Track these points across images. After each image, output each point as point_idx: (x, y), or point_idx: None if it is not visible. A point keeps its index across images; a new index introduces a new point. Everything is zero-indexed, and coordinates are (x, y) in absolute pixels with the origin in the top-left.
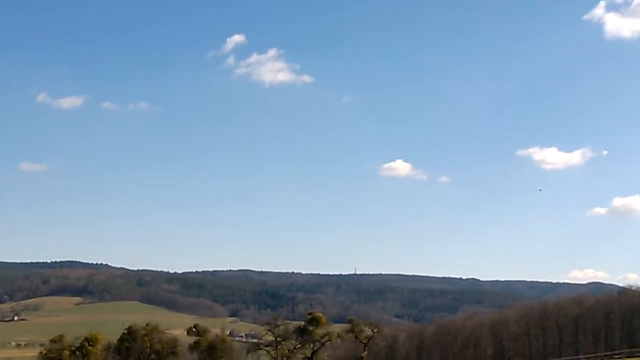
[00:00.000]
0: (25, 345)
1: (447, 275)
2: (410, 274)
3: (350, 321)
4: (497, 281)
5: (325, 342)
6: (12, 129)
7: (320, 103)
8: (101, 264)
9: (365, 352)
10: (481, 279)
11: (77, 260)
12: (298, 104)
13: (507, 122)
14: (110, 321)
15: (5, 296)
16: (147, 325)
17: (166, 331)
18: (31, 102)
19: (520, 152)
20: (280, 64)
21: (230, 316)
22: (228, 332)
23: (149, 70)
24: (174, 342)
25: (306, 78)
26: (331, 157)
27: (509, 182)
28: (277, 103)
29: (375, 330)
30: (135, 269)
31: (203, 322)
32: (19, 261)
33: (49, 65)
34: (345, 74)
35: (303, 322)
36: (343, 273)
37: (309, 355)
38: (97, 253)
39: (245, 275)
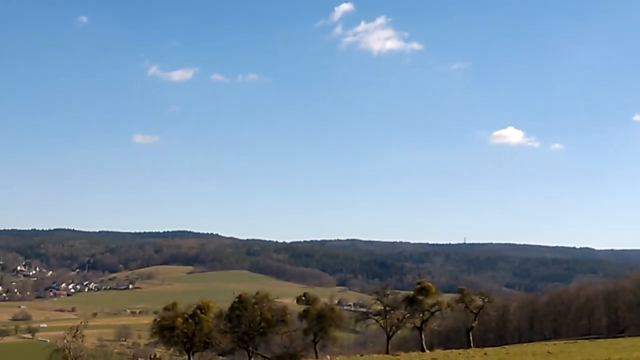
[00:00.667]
0: (139, 312)
1: (560, 245)
2: (521, 243)
3: (460, 291)
4: (612, 250)
5: (435, 311)
6: (125, 103)
7: (429, 71)
8: (211, 233)
9: (476, 322)
10: (595, 248)
11: (189, 230)
12: (407, 72)
13: (622, 87)
14: (221, 289)
15: (120, 265)
16: (257, 293)
17: (276, 300)
18: (143, 76)
19: (637, 118)
20: (388, 32)
21: (338, 285)
22: (336, 301)
23: (258, 42)
24: (283, 311)
25: (415, 46)
26: (441, 125)
27: (624, 148)
28: (385, 71)
29: (486, 300)
30: (245, 238)
31: (312, 291)
32: (133, 231)
33: (160, 40)
34: (455, 41)
35: (412, 292)
36: (452, 242)
37: (419, 325)
38: (207, 223)
39: (353, 244)
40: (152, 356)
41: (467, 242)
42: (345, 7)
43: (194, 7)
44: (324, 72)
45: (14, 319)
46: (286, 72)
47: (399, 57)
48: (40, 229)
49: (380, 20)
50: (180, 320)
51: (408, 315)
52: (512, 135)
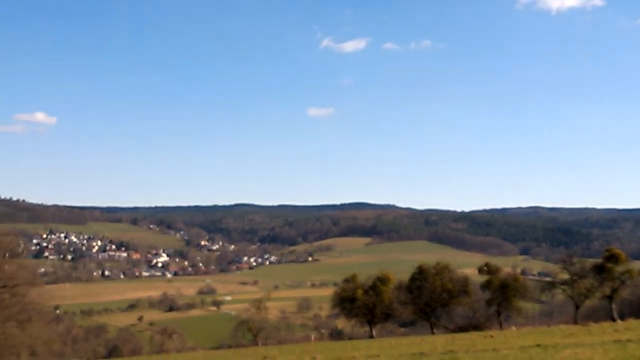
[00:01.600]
0: (319, 284)
1: None
2: None
3: None
4: None
5: (626, 280)
6: (299, 76)
7: (611, 27)
8: (388, 204)
9: None
10: None
11: (365, 201)
12: (587, 30)
13: None
14: (400, 260)
15: (299, 238)
16: (438, 264)
17: (456, 270)
18: (316, 48)
19: None
20: None
21: (520, 254)
22: (520, 270)
23: (430, 6)
24: (465, 281)
25: (596, 2)
26: (625, 83)
27: None
28: (564, 31)
29: None
30: (422, 208)
31: (493, 260)
32: (311, 204)
33: (331, 11)
34: None
35: (600, 260)
36: None
37: (609, 294)
38: (384, 194)
39: (535, 212)
40: (333, 328)
41: None
42: None
43: None
44: (499, 35)
45: (199, 293)
46: (460, 37)
47: (579, 15)
48: (222, 204)
49: None
50: (360, 291)
51: (597, 284)
52: None
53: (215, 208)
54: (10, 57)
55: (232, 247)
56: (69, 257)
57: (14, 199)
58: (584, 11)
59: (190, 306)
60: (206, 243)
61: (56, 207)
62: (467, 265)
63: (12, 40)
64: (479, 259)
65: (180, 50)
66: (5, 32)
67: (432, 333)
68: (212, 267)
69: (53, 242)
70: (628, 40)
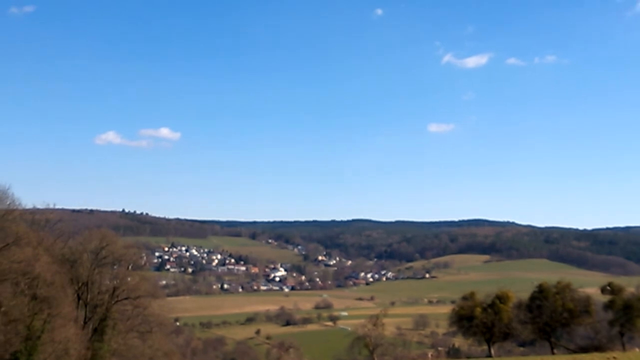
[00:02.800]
0: (436, 301)
1: None
2: None
3: None
4: None
5: None
6: (420, 92)
7: None
8: (508, 221)
9: None
10: None
11: (484, 218)
12: None
13: None
14: (519, 279)
15: (417, 254)
16: (559, 282)
17: (578, 289)
18: (438, 64)
19: None
20: None
21: None
22: None
23: (555, 22)
24: (587, 301)
25: None
26: None
27: None
28: None
29: None
30: (543, 226)
31: (616, 280)
32: (429, 220)
33: (454, 26)
34: None
35: None
36: None
37: None
38: (503, 211)
39: None
40: (451, 346)
41: None
42: None
43: None
44: (625, 50)
45: (316, 307)
46: (585, 52)
47: None
48: (339, 219)
49: None
50: (479, 309)
51: None
52: None
53: (333, 223)
54: (138, 75)
55: (349, 262)
56: (190, 270)
57: (138, 212)
58: None
59: (306, 321)
60: (323, 258)
61: (178, 220)
62: (588, 284)
63: (140, 59)
64: (602, 278)
65: (304, 67)
66: (133, 51)
67: (552, 353)
68: (329, 282)
69: (174, 255)
70: None
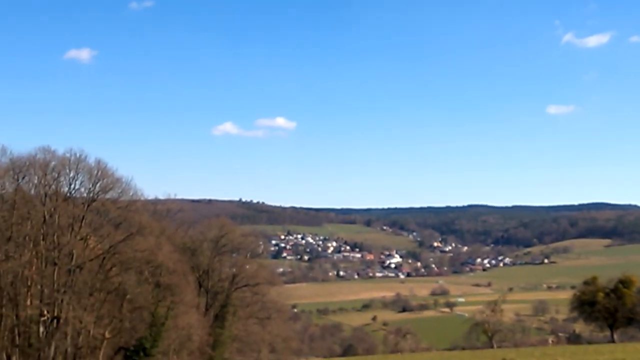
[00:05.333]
0: (555, 287)
1: None
2: None
3: None
4: None
5: None
6: (539, 72)
7: None
8: (630, 204)
9: None
10: None
11: (605, 201)
12: None
13: None
14: None
15: (535, 239)
16: None
17: None
18: (558, 44)
19: None
20: None
21: None
22: None
23: None
24: None
25: None
26: None
27: None
28: None
29: None
30: None
31: None
32: (547, 204)
33: (574, 4)
34: None
35: None
36: None
37: None
38: (625, 194)
39: None
40: (571, 331)
41: None
42: None
43: None
44: None
45: (432, 294)
46: None
47: None
48: (454, 205)
49: None
50: (601, 294)
51: None
52: None
53: (447, 209)
54: (254, 65)
55: (465, 248)
56: (306, 257)
57: (255, 201)
58: None
59: (423, 307)
60: (439, 244)
61: (293, 209)
62: None
63: (254, 48)
64: None
65: (416, 52)
66: (248, 41)
67: None
68: (445, 268)
69: (291, 243)
70: None
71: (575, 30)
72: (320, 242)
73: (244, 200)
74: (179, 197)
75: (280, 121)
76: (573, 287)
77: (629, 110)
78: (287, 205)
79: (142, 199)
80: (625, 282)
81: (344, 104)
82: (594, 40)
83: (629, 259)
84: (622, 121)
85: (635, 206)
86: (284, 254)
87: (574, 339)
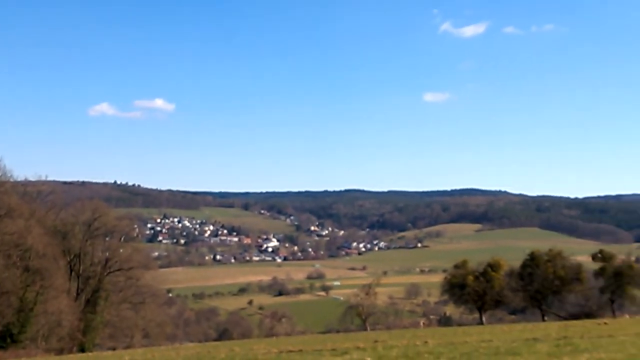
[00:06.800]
0: (428, 270)
1: None
2: None
3: None
4: None
5: None
6: (416, 60)
7: None
8: (500, 190)
9: None
10: None
11: (476, 187)
12: None
13: None
14: (510, 247)
15: (409, 224)
16: (550, 250)
17: (569, 257)
18: (435, 33)
19: None
20: None
21: (635, 242)
22: (634, 258)
23: None
24: (578, 268)
25: None
26: None
27: None
28: None
29: None
30: (534, 194)
31: (607, 248)
32: (421, 190)
33: None
34: None
35: None
36: None
37: None
38: (495, 180)
39: None
40: (442, 314)
41: None
42: None
43: None
44: (628, 18)
45: (309, 277)
46: (585, 21)
47: None
48: (332, 190)
49: None
50: (470, 278)
51: None
52: None
53: (325, 194)
54: (132, 44)
55: (342, 232)
56: (182, 241)
57: (130, 184)
58: None
59: (299, 291)
60: (316, 228)
61: (170, 192)
62: (579, 252)
63: (133, 27)
64: (592, 246)
65: (296, 36)
66: (126, 18)
67: (543, 320)
68: (322, 252)
69: (167, 227)
70: None
71: (453, 20)
72: (197, 226)
73: (119, 182)
74: (50, 178)
75: (159, 102)
76: (445, 271)
77: (501, 99)
78: (164, 188)
79: (11, 180)
80: (493, 266)
81: (223, 86)
82: (471, 30)
83: (498, 243)
84: (494, 109)
85: (505, 192)
86: (160, 238)
87: (445, 321)
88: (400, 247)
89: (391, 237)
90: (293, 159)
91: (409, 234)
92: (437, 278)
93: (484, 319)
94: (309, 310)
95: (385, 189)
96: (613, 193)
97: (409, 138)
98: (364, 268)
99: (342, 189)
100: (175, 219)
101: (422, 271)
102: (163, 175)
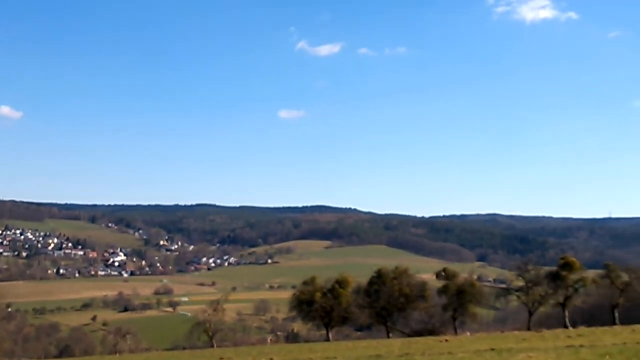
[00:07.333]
0: (278, 287)
1: None
2: None
3: (606, 266)
4: None
5: (579, 288)
6: (273, 78)
7: (585, 40)
8: (350, 208)
9: (622, 299)
10: None
11: (327, 205)
12: (561, 42)
13: None
14: (359, 264)
15: (260, 240)
16: (397, 268)
17: (415, 275)
18: (292, 51)
19: None
20: (544, 1)
21: (478, 261)
22: (476, 276)
23: (407, 14)
24: (423, 286)
25: (572, 15)
26: (595, 95)
27: None
28: (538, 42)
29: (633, 276)
30: (383, 213)
31: (451, 266)
32: (273, 206)
33: (310, 13)
34: (612, 8)
35: (555, 268)
36: (597, 217)
37: (562, 302)
38: (346, 198)
39: (493, 219)
40: (290, 331)
41: (612, 216)
42: None
43: None
44: (474, 43)
45: (156, 293)
46: (435, 45)
47: (553, 27)
48: (183, 204)
49: None
50: (319, 294)
51: (551, 291)
52: None
53: (176, 208)
54: None
55: (192, 247)
56: (24, 254)
57: None
58: (558, 23)
59: (146, 307)
60: (165, 243)
61: (13, 202)
62: (425, 270)
63: None
64: (437, 264)
65: (155, 49)
66: None
67: (388, 337)
68: (171, 267)
69: (8, 239)
70: (601, 54)
71: (309, 39)
72: (41, 239)
73: None
74: None
75: (5, 110)
76: (294, 287)
77: (354, 118)
78: (7, 198)
79: None
80: (341, 283)
81: (72, 97)
82: (326, 50)
83: (347, 260)
84: (347, 128)
85: (355, 210)
86: (1, 250)
87: (293, 337)
88: (250, 263)
89: (242, 253)
90: (143, 171)
91: (260, 250)
92: (287, 294)
93: (330, 335)
94: (155, 326)
95: (238, 205)
96: (458, 213)
97: (263, 154)
98: (213, 284)
99: (194, 203)
100: (18, 231)
101: (271, 287)
102: (6, 185)
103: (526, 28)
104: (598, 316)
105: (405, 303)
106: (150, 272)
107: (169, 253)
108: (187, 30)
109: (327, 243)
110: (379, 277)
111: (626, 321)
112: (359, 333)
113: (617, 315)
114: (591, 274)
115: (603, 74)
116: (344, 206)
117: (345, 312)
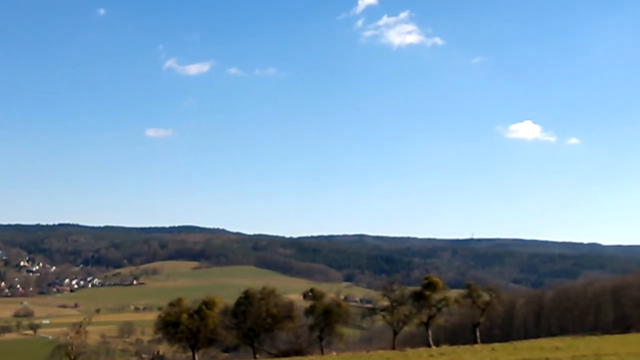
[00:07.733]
0: (143, 308)
1: (567, 240)
2: (529, 238)
3: (468, 286)
4: (619, 246)
5: (442, 307)
6: (140, 96)
7: (448, 65)
8: (218, 228)
9: (483, 318)
10: (603, 244)
11: (195, 225)
12: (426, 67)
13: None
14: (227, 285)
15: (125, 260)
16: (264, 289)
17: (282, 295)
18: (160, 69)
19: None
20: (410, 27)
21: (345, 281)
22: (343, 296)
23: (277, 35)
24: (290, 306)
25: (436, 40)
26: (457, 120)
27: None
28: (404, 66)
29: (493, 295)
30: (251, 233)
31: (318, 286)
32: (139, 226)
33: (179, 32)
34: (476, 34)
35: (419, 287)
36: (460, 238)
37: (425, 321)
38: (213, 218)
39: (360, 239)
40: (155, 353)
41: (474, 237)
42: (370, 0)
43: (214, 0)
44: (342, 66)
45: (16, 315)
46: (304, 66)
47: (419, 52)
48: (45, 223)
49: (404, 14)
50: (185, 316)
51: (415, 310)
52: (529, 129)
53: (37, 227)
54: None
55: (54, 268)
56: None
57: None
58: (424, 48)
59: (5, 329)
60: (25, 264)
61: None
62: (292, 290)
63: None
64: (305, 285)
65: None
66: None
67: (255, 358)
68: (31, 289)
69: None
70: (463, 79)
71: (178, 57)
72: None
73: None
74: None
75: None
76: (160, 309)
77: (222, 137)
78: None
79: None
80: (208, 304)
81: None
82: (195, 69)
83: (215, 281)
84: (214, 147)
85: (223, 230)
86: None
87: (158, 359)
88: (115, 284)
89: (106, 274)
90: (1, 188)
91: (125, 270)
92: (152, 316)
93: (196, 357)
94: (14, 350)
95: (102, 224)
96: (326, 233)
97: (129, 172)
98: (75, 305)
99: (56, 222)
100: None
101: (137, 309)
102: None
103: (393, 52)
104: (460, 335)
105: (272, 323)
106: (9, 294)
107: (29, 274)
108: (51, 44)
109: (194, 264)
110: (246, 298)
111: (487, 339)
112: (226, 354)
113: (478, 333)
114: (454, 293)
115: (466, 98)
116: (211, 226)
117: (212, 333)
